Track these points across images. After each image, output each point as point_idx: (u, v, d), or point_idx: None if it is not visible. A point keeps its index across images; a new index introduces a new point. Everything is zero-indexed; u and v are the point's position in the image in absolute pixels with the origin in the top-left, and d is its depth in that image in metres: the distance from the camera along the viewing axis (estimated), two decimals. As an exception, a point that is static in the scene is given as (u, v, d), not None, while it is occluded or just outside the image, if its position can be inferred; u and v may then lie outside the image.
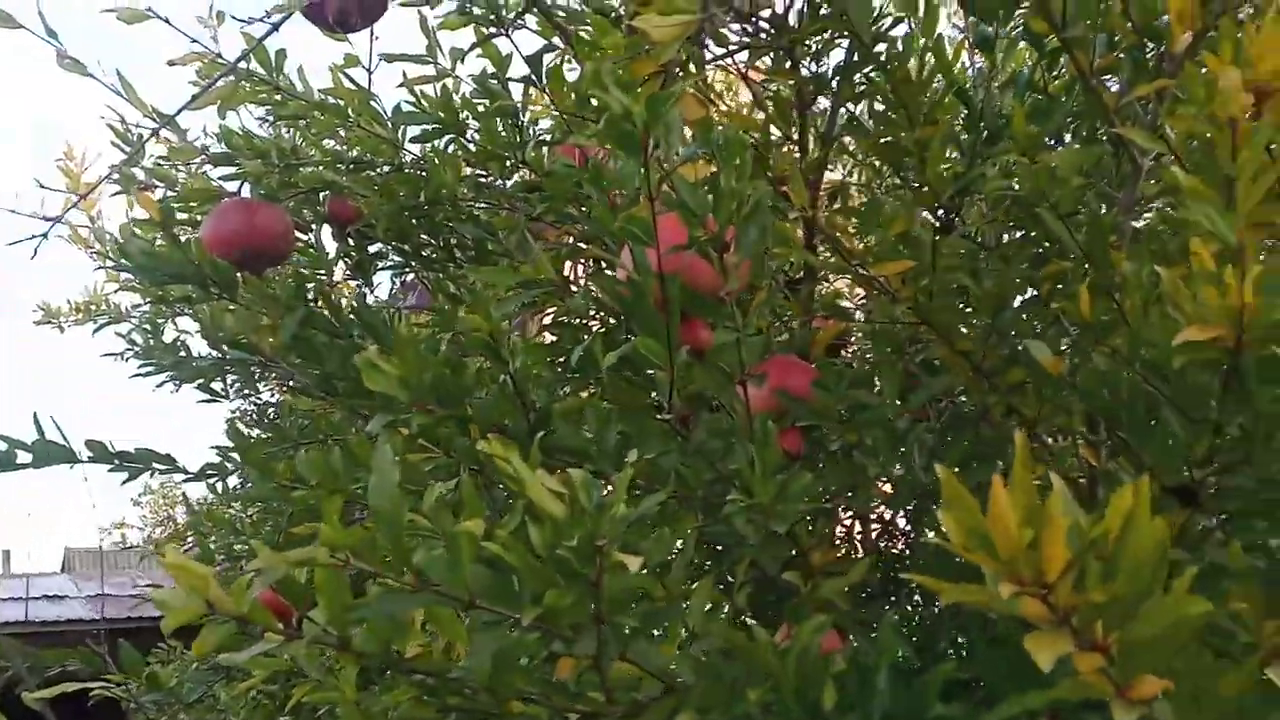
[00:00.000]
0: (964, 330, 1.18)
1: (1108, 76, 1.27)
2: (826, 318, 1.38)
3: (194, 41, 1.49)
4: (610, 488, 0.70)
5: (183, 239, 1.44)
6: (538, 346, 1.00)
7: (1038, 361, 0.87)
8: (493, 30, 1.35)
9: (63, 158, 2.17)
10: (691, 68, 1.19)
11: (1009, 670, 0.76)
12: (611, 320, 1.08)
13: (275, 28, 1.48)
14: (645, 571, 0.88)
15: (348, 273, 2.20)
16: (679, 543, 0.95)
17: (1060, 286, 1.18)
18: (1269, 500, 0.85)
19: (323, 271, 2.03)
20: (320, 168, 1.72)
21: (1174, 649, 0.60)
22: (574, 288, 1.01)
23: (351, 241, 2.03)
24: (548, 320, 1.41)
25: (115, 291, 2.83)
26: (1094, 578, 0.59)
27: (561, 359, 1.03)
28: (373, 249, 2.00)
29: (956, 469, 1.14)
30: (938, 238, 1.35)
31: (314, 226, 2.00)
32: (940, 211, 1.32)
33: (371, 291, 2.20)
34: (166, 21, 1.45)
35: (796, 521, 0.97)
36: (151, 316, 2.15)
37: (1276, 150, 0.83)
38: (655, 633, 0.89)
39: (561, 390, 0.94)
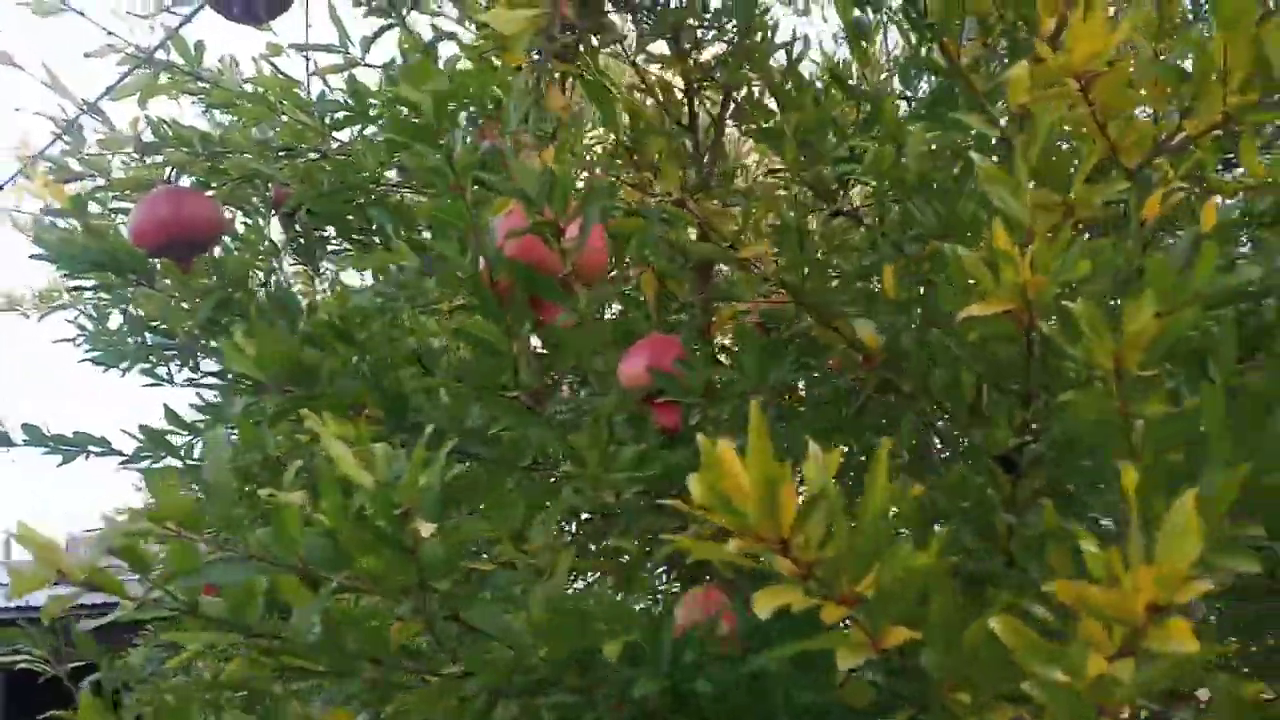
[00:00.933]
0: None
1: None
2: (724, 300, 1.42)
3: (111, 34, 1.53)
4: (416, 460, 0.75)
5: (105, 227, 1.48)
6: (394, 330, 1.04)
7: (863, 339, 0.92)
8: (390, 21, 1.38)
9: (19, 146, 2.21)
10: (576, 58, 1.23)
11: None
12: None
13: (188, 19, 1.52)
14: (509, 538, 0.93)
15: (295, 259, 2.24)
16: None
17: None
18: (1075, 465, 0.89)
19: (262, 257, 2.07)
20: (248, 156, 1.75)
21: (913, 601, 0.65)
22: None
23: (299, 228, 2.07)
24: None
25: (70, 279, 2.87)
26: (836, 537, 0.64)
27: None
28: (321, 235, 2.04)
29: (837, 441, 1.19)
30: (828, 218, 1.40)
31: (261, 212, 2.04)
32: (828, 196, 1.36)
33: (317, 275, 2.23)
34: (81, 14, 1.49)
35: (653, 494, 1.02)
36: (97, 303, 2.20)
37: (1078, 135, 0.87)
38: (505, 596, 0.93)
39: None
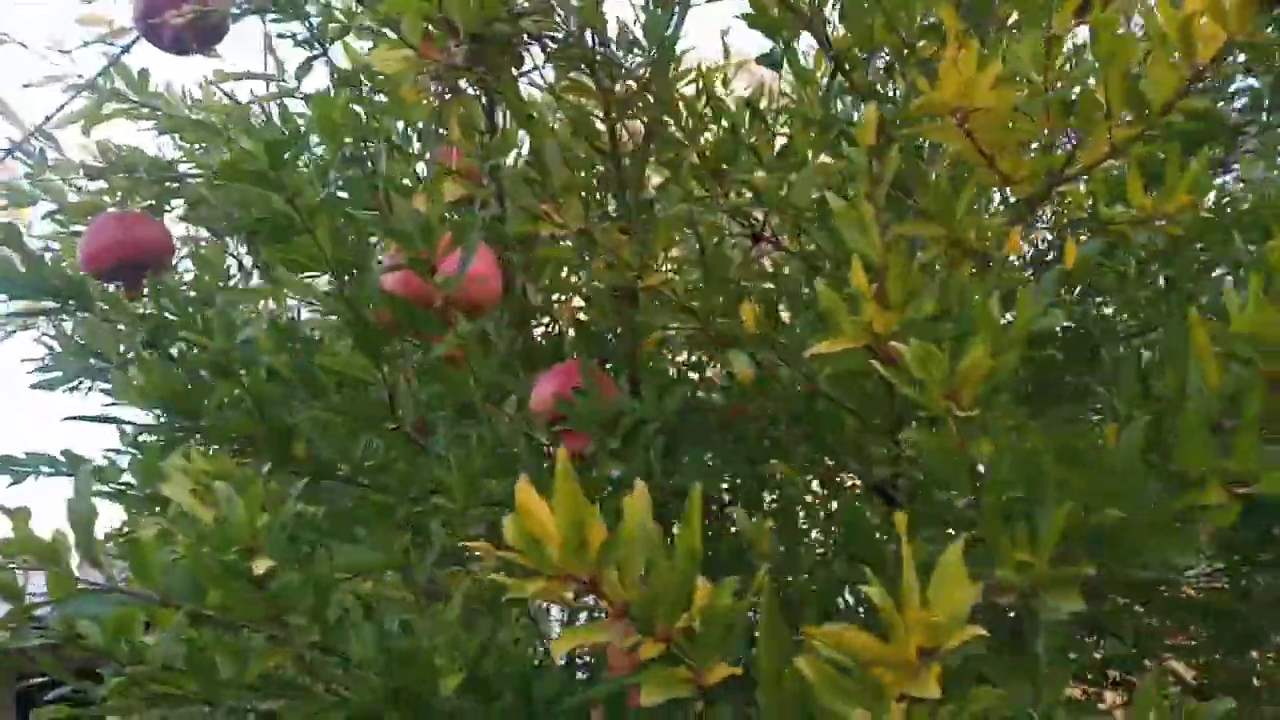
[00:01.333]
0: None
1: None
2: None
3: (54, 64, 1.56)
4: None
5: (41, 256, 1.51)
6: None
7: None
8: (317, 51, 1.41)
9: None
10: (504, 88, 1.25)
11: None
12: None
13: (126, 49, 1.55)
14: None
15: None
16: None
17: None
18: (941, 500, 0.90)
19: (224, 280, 2.10)
20: (197, 181, 1.78)
21: (728, 639, 0.66)
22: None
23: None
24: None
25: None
26: (653, 574, 0.65)
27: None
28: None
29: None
30: (749, 246, 1.41)
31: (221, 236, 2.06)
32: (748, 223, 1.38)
33: (280, 301, 2.25)
34: (23, 45, 1.53)
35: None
36: (58, 324, 2.24)
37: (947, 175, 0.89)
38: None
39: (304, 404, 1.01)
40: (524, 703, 0.74)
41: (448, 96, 1.09)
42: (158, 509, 1.06)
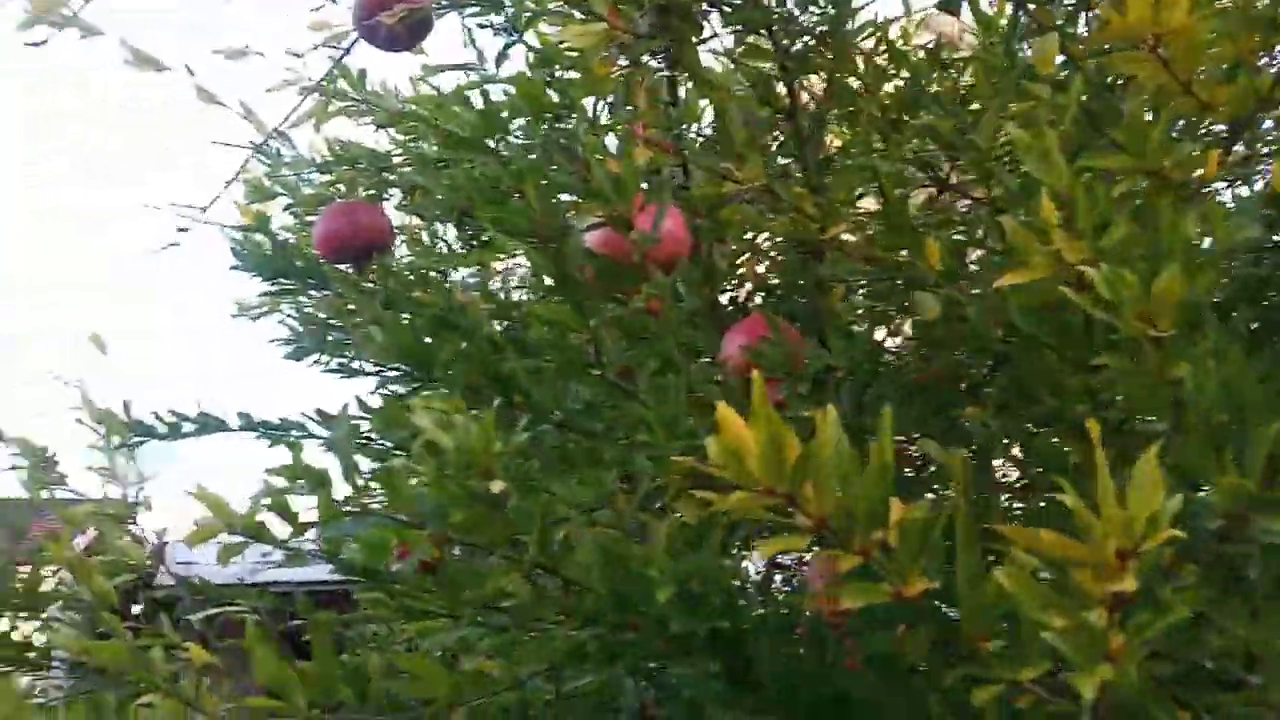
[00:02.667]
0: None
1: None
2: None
3: (289, 70, 1.75)
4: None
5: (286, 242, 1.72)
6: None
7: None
8: (512, 39, 1.52)
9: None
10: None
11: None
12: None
13: (347, 50, 1.72)
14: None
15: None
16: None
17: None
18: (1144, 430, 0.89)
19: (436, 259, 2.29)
20: (409, 168, 1.96)
21: (933, 555, 0.70)
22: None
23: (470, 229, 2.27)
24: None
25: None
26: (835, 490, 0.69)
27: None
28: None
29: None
30: (934, 195, 1.42)
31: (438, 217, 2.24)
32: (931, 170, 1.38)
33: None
34: (261, 55, 1.73)
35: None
36: (299, 306, 2.51)
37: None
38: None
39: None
40: (729, 616, 0.81)
41: (632, 68, 1.16)
42: (400, 452, 1.20)
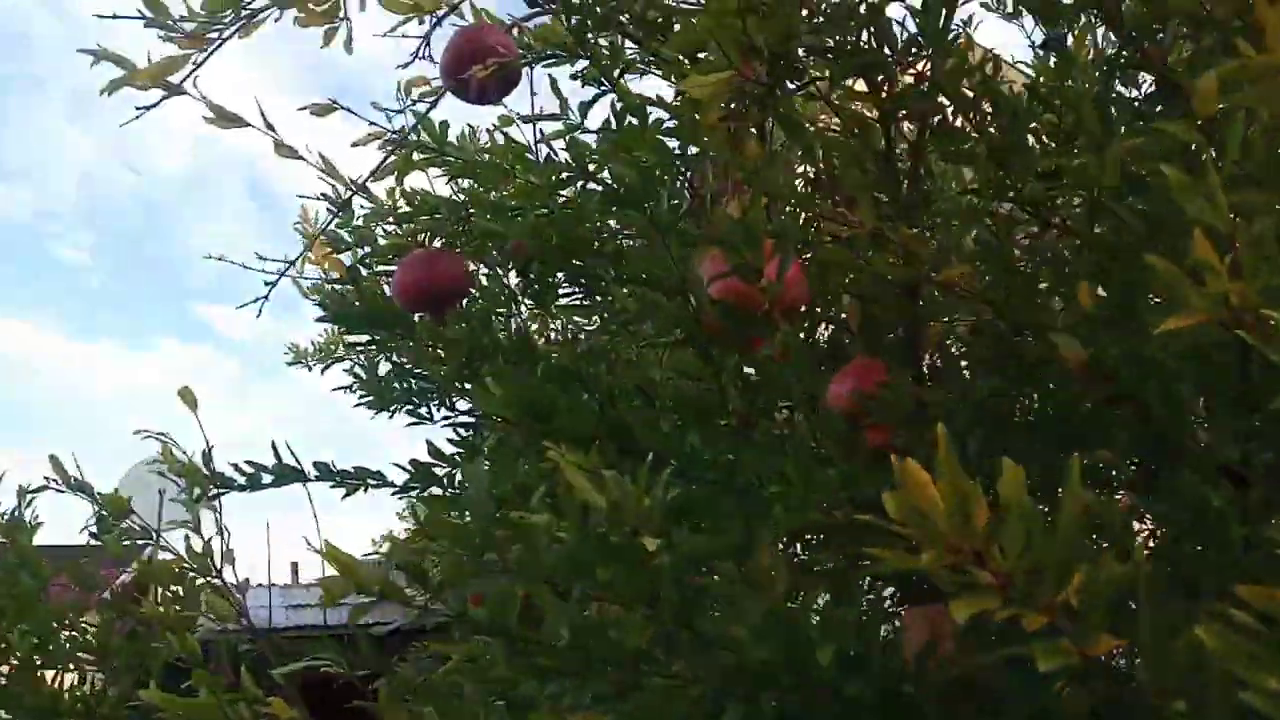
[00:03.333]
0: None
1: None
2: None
3: (372, 124, 1.78)
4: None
5: (373, 289, 1.73)
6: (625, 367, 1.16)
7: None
8: (603, 89, 1.53)
9: (300, 220, 2.58)
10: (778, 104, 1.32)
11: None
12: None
13: (434, 104, 1.75)
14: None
15: (531, 306, 2.45)
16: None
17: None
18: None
19: (504, 307, 2.30)
20: (487, 217, 1.97)
21: (1115, 609, 0.67)
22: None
23: (533, 277, 2.29)
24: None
25: (345, 333, 3.30)
26: (1031, 547, 0.67)
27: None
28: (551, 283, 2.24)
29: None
30: (1037, 233, 1.40)
31: (499, 268, 2.27)
32: (1034, 209, 1.36)
33: (552, 320, 2.43)
34: (349, 110, 1.75)
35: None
36: (368, 354, 2.52)
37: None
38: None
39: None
40: (896, 679, 0.78)
41: (737, 118, 1.16)
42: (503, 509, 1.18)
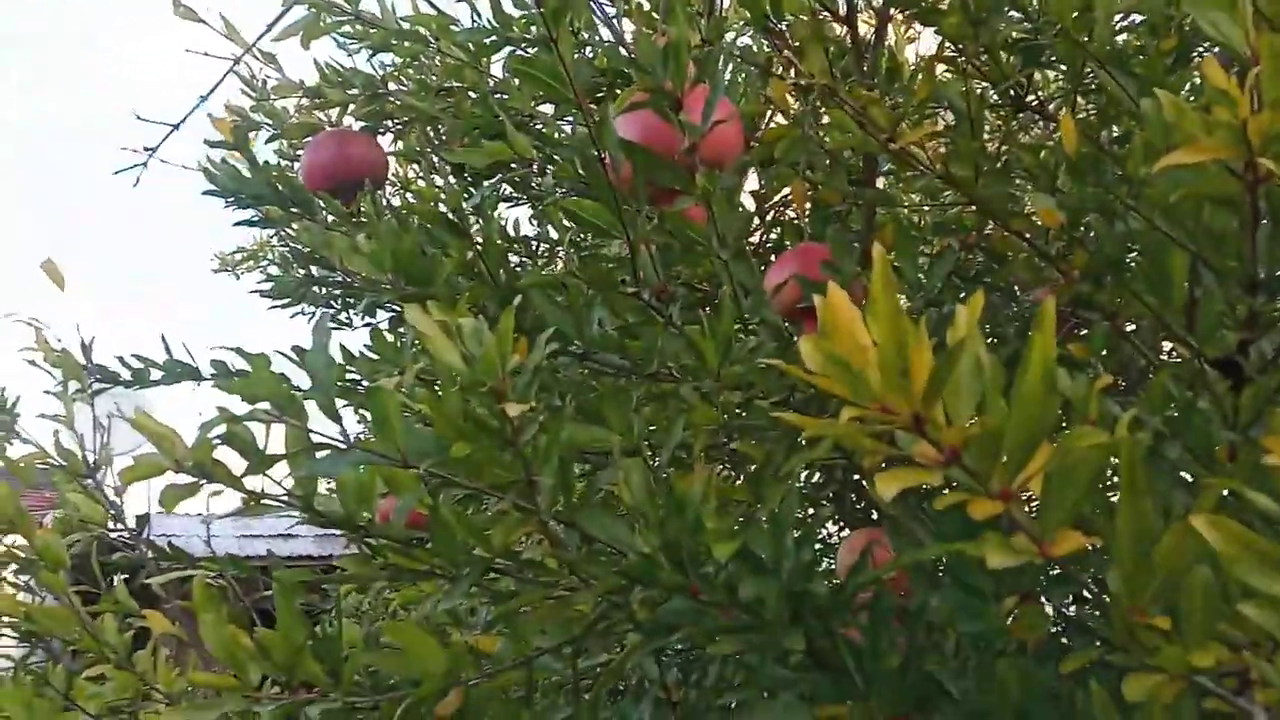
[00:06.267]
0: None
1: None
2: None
3: (274, -25, 1.56)
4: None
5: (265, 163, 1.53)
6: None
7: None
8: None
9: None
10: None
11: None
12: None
13: (341, -46, 1.53)
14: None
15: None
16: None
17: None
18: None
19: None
20: (408, 96, 1.77)
21: (1082, 497, 0.52)
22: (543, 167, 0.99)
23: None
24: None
25: (272, 237, 3.08)
26: (988, 412, 0.52)
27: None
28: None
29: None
30: (1011, 114, 1.24)
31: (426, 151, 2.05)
32: (1009, 87, 1.20)
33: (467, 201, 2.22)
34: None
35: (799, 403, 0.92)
36: (283, 254, 2.32)
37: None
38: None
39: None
40: (807, 584, 0.63)
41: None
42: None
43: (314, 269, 1.67)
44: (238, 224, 1.55)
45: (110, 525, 1.58)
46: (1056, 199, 0.78)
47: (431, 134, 1.93)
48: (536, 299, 0.91)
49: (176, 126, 1.56)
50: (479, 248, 0.88)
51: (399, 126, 1.88)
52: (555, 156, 0.94)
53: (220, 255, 3.46)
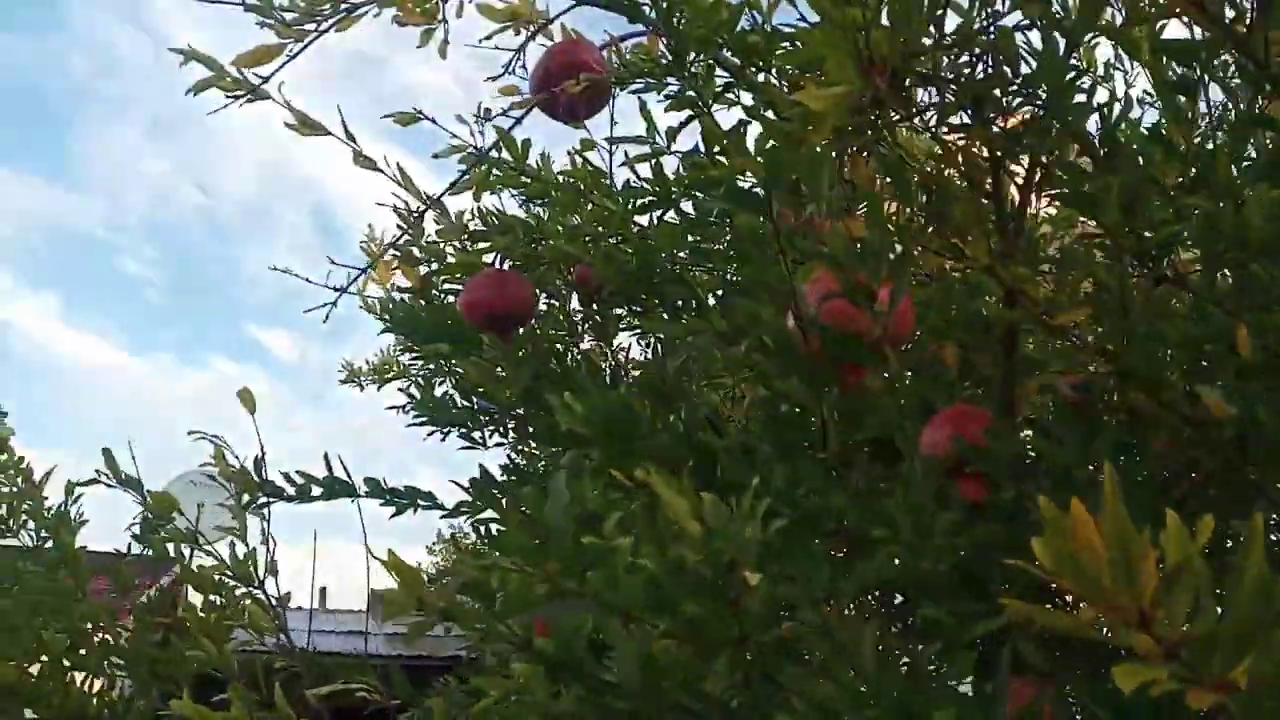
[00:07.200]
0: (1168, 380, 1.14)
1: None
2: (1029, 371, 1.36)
3: (454, 136, 1.75)
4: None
5: (441, 303, 1.68)
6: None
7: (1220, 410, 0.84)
8: (698, 110, 1.48)
9: (364, 238, 2.56)
10: (873, 131, 1.26)
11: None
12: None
13: (518, 121, 1.71)
14: (811, 603, 0.94)
15: (592, 334, 2.40)
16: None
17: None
18: None
19: (566, 333, 2.25)
20: (561, 240, 1.93)
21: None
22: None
23: (595, 306, 2.24)
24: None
25: (402, 353, 3.27)
26: (1204, 611, 0.58)
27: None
28: (614, 312, 2.19)
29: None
30: (1149, 284, 1.32)
31: (564, 293, 2.23)
32: (1147, 261, 1.28)
33: (611, 349, 2.38)
34: (433, 121, 1.73)
35: (974, 566, 0.99)
36: (425, 374, 2.48)
37: None
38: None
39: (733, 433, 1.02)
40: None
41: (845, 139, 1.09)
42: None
43: (475, 399, 1.80)
44: (408, 365, 1.70)
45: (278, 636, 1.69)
46: (1222, 392, 0.85)
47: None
48: (723, 460, 1.00)
49: (365, 270, 1.74)
50: (680, 413, 0.98)
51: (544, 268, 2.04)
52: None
53: (348, 365, 3.67)
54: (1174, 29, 1.32)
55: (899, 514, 0.84)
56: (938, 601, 0.85)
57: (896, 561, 0.85)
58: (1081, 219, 1.39)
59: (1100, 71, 1.77)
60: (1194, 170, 1.23)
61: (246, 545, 1.76)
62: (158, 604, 2.17)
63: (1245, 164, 1.17)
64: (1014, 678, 1.16)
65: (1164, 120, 1.26)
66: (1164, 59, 1.28)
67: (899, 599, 1.04)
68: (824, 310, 0.92)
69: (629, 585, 0.81)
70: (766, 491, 1.01)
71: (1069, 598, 1.40)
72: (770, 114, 1.09)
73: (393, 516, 2.03)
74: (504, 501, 1.51)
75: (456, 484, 1.67)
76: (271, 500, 1.93)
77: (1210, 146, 1.22)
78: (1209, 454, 1.05)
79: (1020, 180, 1.36)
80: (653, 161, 1.63)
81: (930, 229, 1.24)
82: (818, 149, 1.09)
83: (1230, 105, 1.42)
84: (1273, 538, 1.12)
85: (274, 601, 1.73)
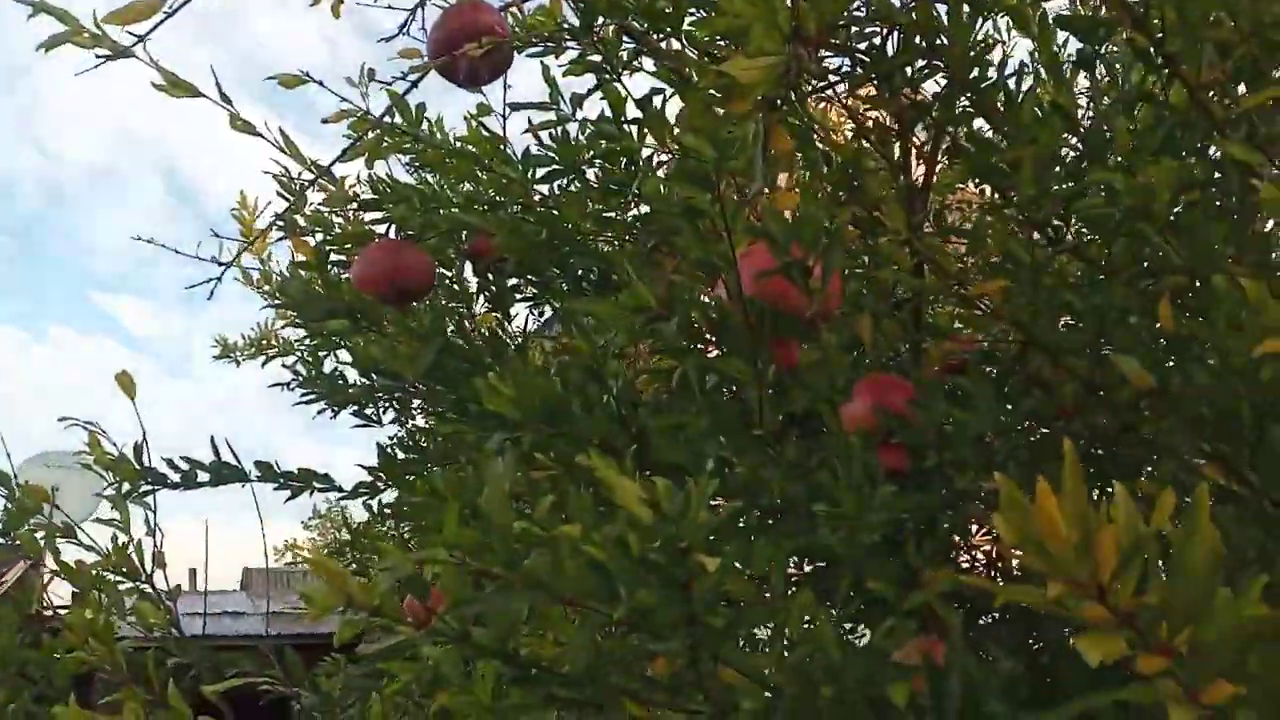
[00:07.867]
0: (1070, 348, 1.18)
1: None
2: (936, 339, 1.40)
3: (343, 100, 1.66)
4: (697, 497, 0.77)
5: (338, 278, 1.60)
6: (647, 370, 1.08)
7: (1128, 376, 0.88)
8: (606, 77, 1.44)
9: (237, 207, 2.42)
10: (788, 103, 1.25)
11: (1087, 678, 0.77)
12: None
13: (414, 85, 1.63)
14: (745, 579, 0.94)
15: (487, 305, 2.34)
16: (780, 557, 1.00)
17: (1180, 302, 1.17)
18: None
19: (462, 305, 2.19)
20: (457, 210, 1.86)
21: (1240, 652, 0.61)
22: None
23: (491, 277, 2.18)
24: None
25: (283, 328, 3.12)
26: (1152, 581, 0.61)
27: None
28: (510, 283, 2.14)
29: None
30: (1049, 253, 1.36)
31: (456, 263, 2.16)
32: (1047, 230, 1.32)
33: (509, 322, 2.33)
34: (320, 84, 1.63)
35: (895, 535, 1.01)
36: (312, 349, 2.37)
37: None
38: (754, 637, 0.93)
39: (663, 410, 1.01)
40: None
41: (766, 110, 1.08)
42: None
43: (373, 376, 1.72)
44: (314, 335, 1.61)
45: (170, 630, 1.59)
46: (1140, 361, 0.89)
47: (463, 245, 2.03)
48: (656, 440, 0.99)
49: (250, 243, 1.63)
50: (614, 393, 0.96)
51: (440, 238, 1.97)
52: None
53: (221, 340, 3.48)
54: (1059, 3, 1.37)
55: (839, 488, 0.84)
56: (877, 574, 0.86)
57: (836, 535, 0.86)
58: (976, 187, 1.42)
59: (1010, 44, 1.80)
60: (1091, 141, 1.28)
61: (130, 536, 1.65)
62: (24, 600, 2.02)
63: (1142, 136, 1.22)
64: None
65: (1049, 92, 1.30)
66: (1056, 33, 1.31)
67: (812, 568, 1.06)
68: (758, 286, 0.91)
69: (573, 572, 0.79)
70: (701, 469, 1.00)
71: (978, 558, 1.46)
72: (679, 82, 1.07)
73: (289, 500, 1.95)
74: (414, 482, 1.46)
75: (361, 466, 1.61)
76: (155, 488, 1.81)
77: (1107, 120, 1.27)
78: (1112, 417, 1.10)
79: (927, 152, 1.39)
80: (558, 129, 1.59)
81: (843, 200, 1.25)
82: (751, 123, 1.08)
83: (1118, 80, 1.48)
84: (1188, 499, 1.19)
85: (163, 596, 1.63)
